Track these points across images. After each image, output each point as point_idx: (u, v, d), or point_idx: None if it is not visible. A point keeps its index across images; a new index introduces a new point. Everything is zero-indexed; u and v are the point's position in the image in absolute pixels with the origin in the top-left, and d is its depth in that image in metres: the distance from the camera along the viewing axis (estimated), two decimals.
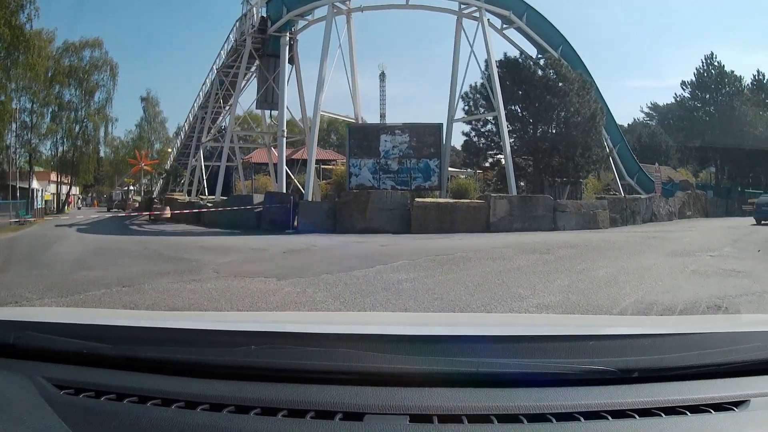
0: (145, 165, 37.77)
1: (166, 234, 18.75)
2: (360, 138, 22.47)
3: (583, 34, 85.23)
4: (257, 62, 26.34)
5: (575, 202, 21.71)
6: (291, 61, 25.08)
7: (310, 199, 21.18)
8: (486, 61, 22.79)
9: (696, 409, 1.05)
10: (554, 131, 23.66)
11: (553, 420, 1.01)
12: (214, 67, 30.17)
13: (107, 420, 1.06)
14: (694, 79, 42.25)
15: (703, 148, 40.25)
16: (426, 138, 21.79)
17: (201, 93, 32.74)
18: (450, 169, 25.61)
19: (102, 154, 51.25)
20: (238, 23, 27.24)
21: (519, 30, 24.67)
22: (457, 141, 29.38)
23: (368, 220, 18.35)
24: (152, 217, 26.91)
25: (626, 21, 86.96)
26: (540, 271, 8.33)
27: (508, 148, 21.72)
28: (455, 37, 23.38)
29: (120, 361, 1.25)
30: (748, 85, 42.96)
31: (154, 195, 38.14)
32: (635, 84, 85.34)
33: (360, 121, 26.02)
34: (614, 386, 1.12)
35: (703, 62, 42.27)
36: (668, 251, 11.20)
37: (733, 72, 41.38)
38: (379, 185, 21.26)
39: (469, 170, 27.21)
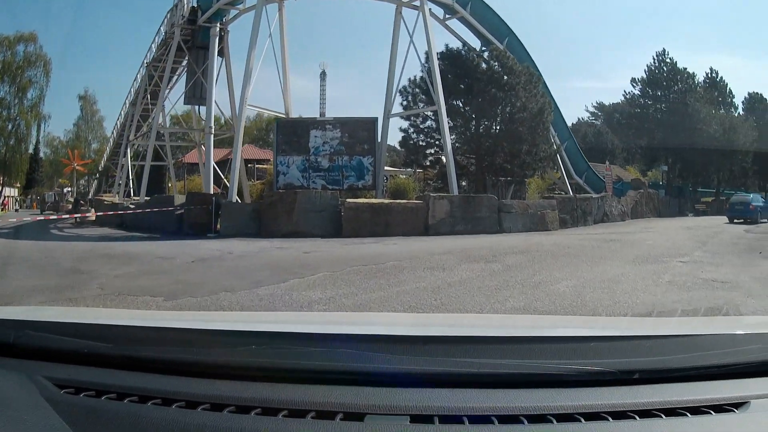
0: (77, 165, 35.76)
1: (82, 239, 17.43)
2: (289, 133, 20.80)
3: (528, 33, 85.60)
4: (187, 56, 24.62)
5: (522, 202, 20.51)
6: (221, 53, 23.46)
7: (233, 199, 19.51)
8: (426, 53, 21.32)
9: (696, 410, 1.05)
10: (499, 127, 22.44)
11: (554, 421, 1.01)
12: (145, 61, 28.37)
13: (108, 419, 1.05)
14: (645, 75, 41.22)
15: (653, 147, 39.67)
16: (359, 133, 20.33)
17: (132, 89, 31.16)
18: (389, 168, 24.38)
19: (42, 154, 49.53)
20: (169, 14, 25.47)
21: (462, 20, 23.38)
22: (396, 139, 28.09)
23: (295, 223, 16.82)
24: (77, 220, 25.36)
25: (572, 21, 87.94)
26: (487, 286, 7.13)
27: (449, 145, 20.31)
28: (394, 28, 21.81)
29: (120, 360, 1.25)
30: (700, 82, 42.61)
31: (90, 196, 36.33)
32: (579, 85, 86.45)
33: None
34: (615, 387, 1.12)
35: (654, 59, 41.28)
36: (633, 257, 10.34)
37: (686, 69, 40.70)
38: (309, 184, 19.75)
39: (409, 170, 25.88)
